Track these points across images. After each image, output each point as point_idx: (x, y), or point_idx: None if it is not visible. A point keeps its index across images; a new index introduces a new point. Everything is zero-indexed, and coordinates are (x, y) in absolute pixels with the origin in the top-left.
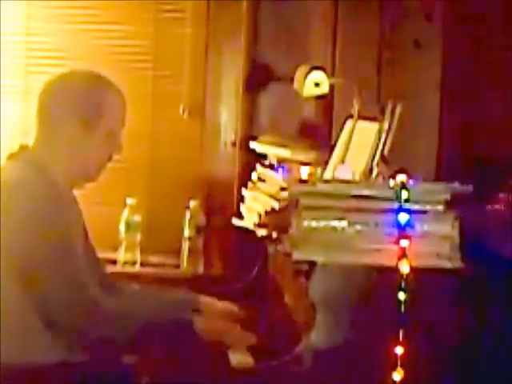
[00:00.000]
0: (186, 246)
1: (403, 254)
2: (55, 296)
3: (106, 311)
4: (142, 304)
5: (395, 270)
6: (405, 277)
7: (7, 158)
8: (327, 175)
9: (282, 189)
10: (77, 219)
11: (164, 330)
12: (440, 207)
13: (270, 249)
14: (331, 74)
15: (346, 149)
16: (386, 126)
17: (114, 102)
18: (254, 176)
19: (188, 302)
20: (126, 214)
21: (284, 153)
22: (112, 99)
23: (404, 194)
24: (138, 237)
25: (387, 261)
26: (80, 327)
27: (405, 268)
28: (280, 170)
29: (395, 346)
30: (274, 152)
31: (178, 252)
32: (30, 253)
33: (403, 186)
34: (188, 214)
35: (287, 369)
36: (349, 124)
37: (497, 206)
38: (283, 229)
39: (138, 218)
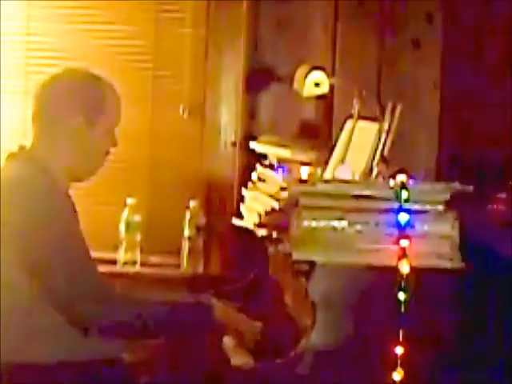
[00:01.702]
0: (186, 245)
1: (403, 254)
2: (66, 285)
3: (119, 295)
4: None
5: (395, 269)
6: (405, 277)
7: (6, 159)
8: (327, 175)
9: (282, 189)
10: (75, 218)
11: (184, 313)
12: (440, 207)
13: (270, 249)
14: (331, 74)
15: (346, 149)
16: (386, 126)
17: (112, 99)
18: (254, 176)
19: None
20: (125, 214)
21: (284, 153)
22: (110, 96)
23: (404, 194)
24: (138, 237)
25: (387, 261)
26: (94, 312)
27: (405, 268)
28: (280, 170)
29: (395, 346)
30: (274, 152)
31: (177, 252)
32: (34, 248)
33: (403, 186)
34: (188, 214)
35: (287, 369)
36: (349, 124)
37: (497, 206)
38: (283, 229)
39: (138, 217)
